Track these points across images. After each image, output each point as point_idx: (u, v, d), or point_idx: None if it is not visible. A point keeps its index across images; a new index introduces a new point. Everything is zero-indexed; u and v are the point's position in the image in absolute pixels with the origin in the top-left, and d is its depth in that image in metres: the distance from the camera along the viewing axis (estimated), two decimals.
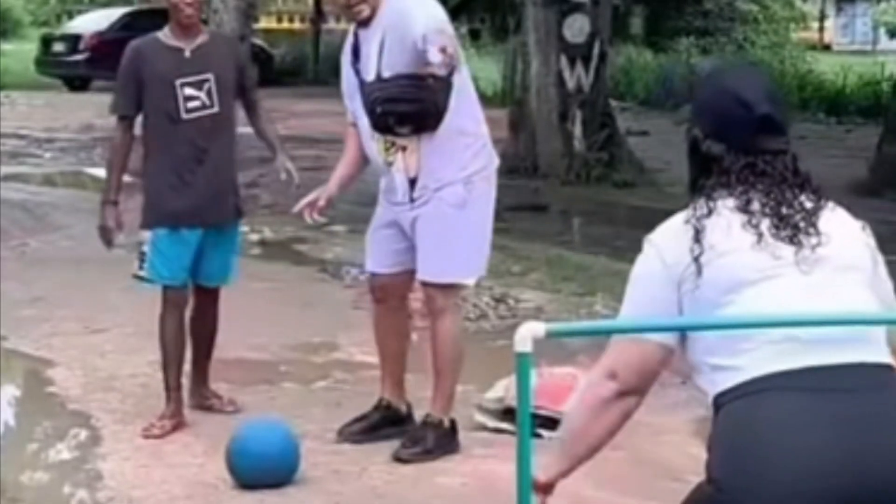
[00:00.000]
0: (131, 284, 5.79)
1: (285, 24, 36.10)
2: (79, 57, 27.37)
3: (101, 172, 14.95)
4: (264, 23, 32.29)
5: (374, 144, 5.32)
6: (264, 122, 5.94)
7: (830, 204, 2.69)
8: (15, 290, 8.06)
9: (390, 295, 5.47)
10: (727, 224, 2.60)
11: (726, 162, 2.66)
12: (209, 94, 5.56)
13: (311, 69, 30.72)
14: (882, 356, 2.57)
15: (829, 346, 2.49)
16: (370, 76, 5.21)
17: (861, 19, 47.12)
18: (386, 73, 5.15)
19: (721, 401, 2.53)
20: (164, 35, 5.63)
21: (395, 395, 5.51)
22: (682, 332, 2.64)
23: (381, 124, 5.22)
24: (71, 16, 36.99)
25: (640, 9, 33.04)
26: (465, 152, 5.23)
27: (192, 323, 5.77)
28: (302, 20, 35.02)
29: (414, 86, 5.11)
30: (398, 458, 5.21)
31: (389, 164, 5.30)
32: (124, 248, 5.95)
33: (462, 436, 5.46)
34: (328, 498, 4.85)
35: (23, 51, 32.14)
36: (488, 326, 7.37)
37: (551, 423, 5.40)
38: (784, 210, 2.61)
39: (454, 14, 29.06)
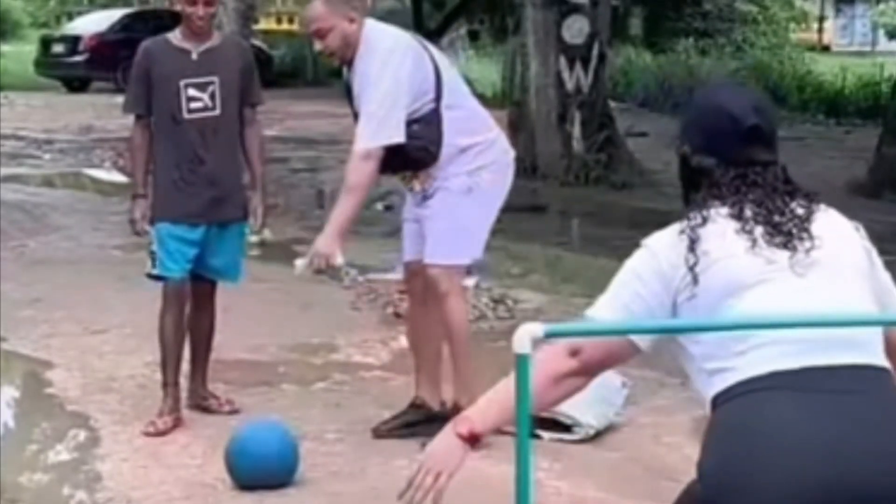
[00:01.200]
0: (138, 282, 5.79)
1: (285, 26, 36.09)
2: (78, 58, 27.38)
3: (100, 173, 15.06)
4: (264, 24, 32.30)
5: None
6: (255, 140, 5.87)
7: (822, 207, 2.70)
8: (14, 291, 8.06)
9: (421, 283, 5.49)
10: (722, 231, 2.62)
11: (717, 175, 2.69)
12: (212, 96, 5.64)
13: (311, 70, 30.71)
14: (877, 358, 2.57)
15: (824, 348, 2.50)
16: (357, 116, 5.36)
17: (860, 20, 47.13)
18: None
19: (716, 402, 2.54)
20: (175, 36, 5.73)
21: (430, 394, 5.55)
22: (668, 336, 2.65)
23: (387, 171, 5.36)
24: (70, 17, 37.03)
25: (640, 10, 33.07)
26: (469, 155, 5.33)
27: (189, 321, 5.80)
28: (311, 22, 35.03)
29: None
30: (376, 432, 5.32)
31: (410, 190, 5.46)
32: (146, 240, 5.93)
33: None
34: (327, 498, 4.85)
35: (22, 52, 32.15)
36: (487, 327, 7.36)
37: (549, 424, 5.42)
38: (776, 218, 2.63)
39: (453, 15, 29.11)
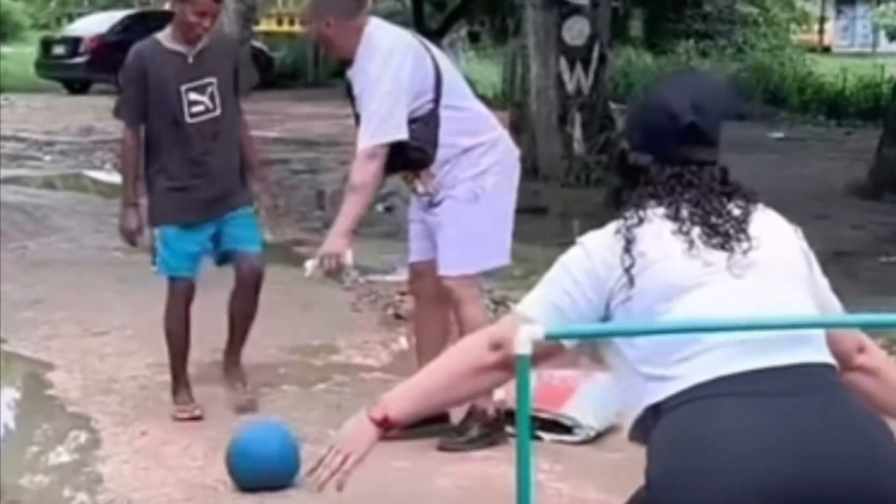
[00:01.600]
0: (139, 284, 5.80)
1: (285, 27, 36.04)
2: (79, 60, 27.36)
3: (100, 175, 15.06)
4: (264, 25, 32.29)
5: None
6: (245, 134, 5.99)
7: (760, 208, 2.66)
8: (14, 292, 8.06)
9: (427, 284, 5.53)
10: (658, 231, 2.58)
11: (652, 173, 2.66)
12: (212, 97, 5.68)
13: (311, 72, 30.72)
14: (822, 356, 2.55)
15: (767, 349, 2.47)
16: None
17: (861, 21, 47.13)
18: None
19: (658, 409, 2.50)
20: (165, 38, 5.70)
21: None
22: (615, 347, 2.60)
23: (387, 171, 5.36)
24: (71, 19, 37.02)
25: (640, 11, 33.03)
26: (472, 157, 5.32)
27: (232, 306, 5.89)
28: (302, 23, 35.03)
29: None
30: (443, 448, 5.27)
31: (413, 190, 5.46)
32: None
33: None
34: (328, 500, 4.83)
35: (23, 54, 32.15)
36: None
37: (550, 425, 5.42)
38: (713, 219, 2.59)
39: (454, 17, 29.10)
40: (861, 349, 2.77)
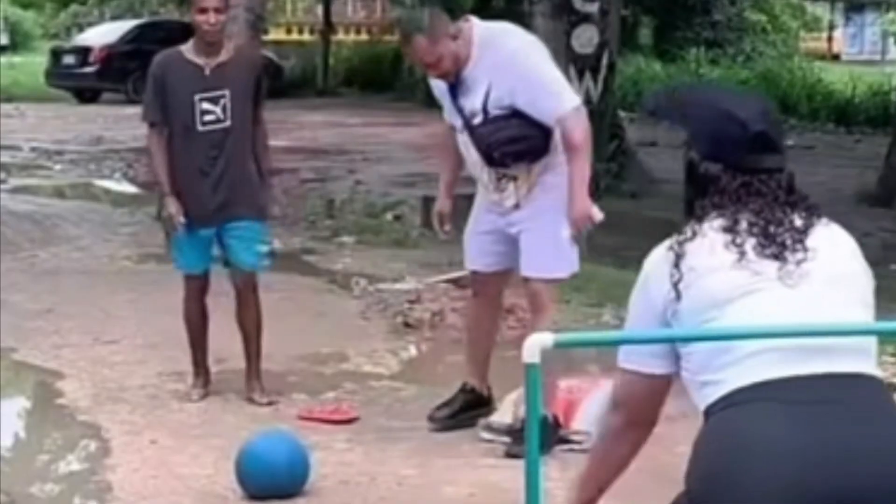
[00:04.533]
0: (149, 293, 5.82)
1: (294, 36, 36.09)
2: (88, 69, 27.40)
3: (110, 184, 15.09)
4: (273, 34, 32.29)
5: (485, 175, 5.47)
6: (260, 140, 6.18)
7: (824, 220, 2.67)
8: (24, 301, 8.07)
9: (488, 289, 5.73)
10: (710, 245, 2.60)
11: (723, 181, 2.67)
12: (224, 109, 5.93)
13: (321, 81, 30.75)
14: (868, 367, 2.55)
15: (812, 357, 2.48)
16: (477, 119, 5.36)
17: (870, 29, 47.05)
18: (494, 112, 5.32)
19: (707, 414, 2.54)
20: (188, 49, 6.00)
21: (479, 380, 5.75)
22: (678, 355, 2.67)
23: (498, 163, 5.38)
24: (81, 28, 37.04)
25: (649, 19, 33.04)
26: (561, 163, 5.35)
27: (237, 317, 6.16)
28: (311, 32, 35.03)
29: (526, 123, 5.29)
30: (511, 455, 5.22)
31: (501, 191, 5.45)
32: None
33: (469, 446, 5.46)
34: None
35: (33, 63, 32.21)
36: (497, 337, 7.35)
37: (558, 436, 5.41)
38: (772, 229, 2.61)
39: None
40: None
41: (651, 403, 2.74)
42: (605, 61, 14.59)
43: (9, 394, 6.57)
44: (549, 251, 5.36)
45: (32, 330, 7.38)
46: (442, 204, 5.80)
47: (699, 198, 2.71)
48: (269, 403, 6.03)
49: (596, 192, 5.56)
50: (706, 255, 2.59)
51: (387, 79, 30.08)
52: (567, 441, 5.41)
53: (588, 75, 14.51)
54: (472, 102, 5.35)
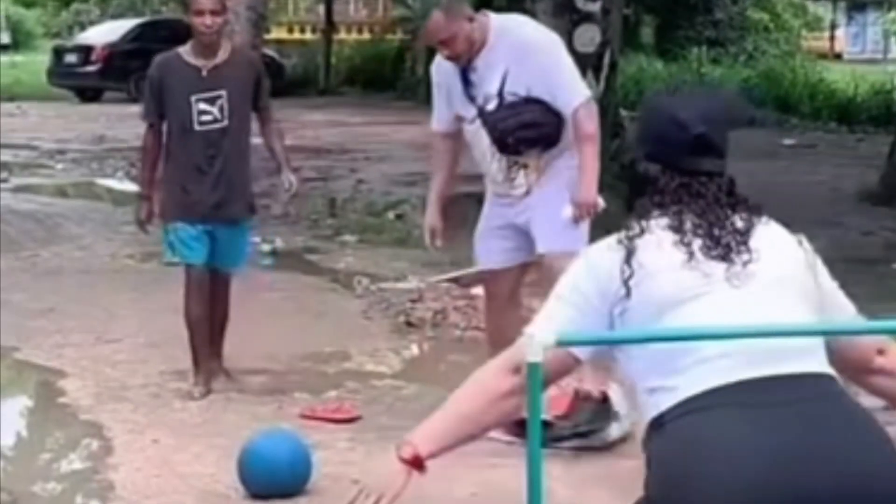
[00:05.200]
0: (151, 291, 5.84)
1: (296, 35, 36.12)
2: (90, 68, 27.43)
3: (112, 183, 15.09)
4: (275, 33, 32.31)
5: (494, 164, 5.49)
6: (274, 136, 6.35)
7: (764, 220, 2.66)
8: (26, 300, 8.08)
9: (502, 287, 5.72)
10: (658, 242, 2.59)
11: (661, 182, 2.67)
12: (221, 109, 6.05)
13: (322, 80, 30.75)
14: (820, 366, 2.55)
15: (763, 360, 2.48)
16: (491, 105, 5.38)
17: (872, 28, 47.03)
18: (510, 98, 5.35)
19: (659, 422, 2.51)
20: (186, 51, 6.13)
21: None
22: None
23: (511, 150, 5.40)
24: (83, 27, 37.06)
25: (651, 18, 33.04)
26: (570, 150, 5.41)
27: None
28: (313, 31, 35.06)
29: (542, 109, 5.33)
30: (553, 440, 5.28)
31: (511, 180, 5.48)
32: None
33: (472, 445, 5.43)
34: None
35: (35, 62, 32.23)
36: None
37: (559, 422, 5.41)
38: (716, 231, 2.60)
39: None
40: (881, 351, 2.77)
41: (551, 375, 2.59)
42: (607, 60, 14.58)
43: (11, 393, 6.58)
44: (559, 226, 5.38)
45: (34, 329, 7.39)
46: (433, 218, 5.77)
47: (637, 197, 2.71)
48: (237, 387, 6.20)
49: (599, 190, 5.56)
50: (655, 253, 2.58)
51: (389, 78, 30.09)
52: (570, 437, 5.40)
53: (590, 74, 14.48)
54: (487, 88, 5.37)
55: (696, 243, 2.58)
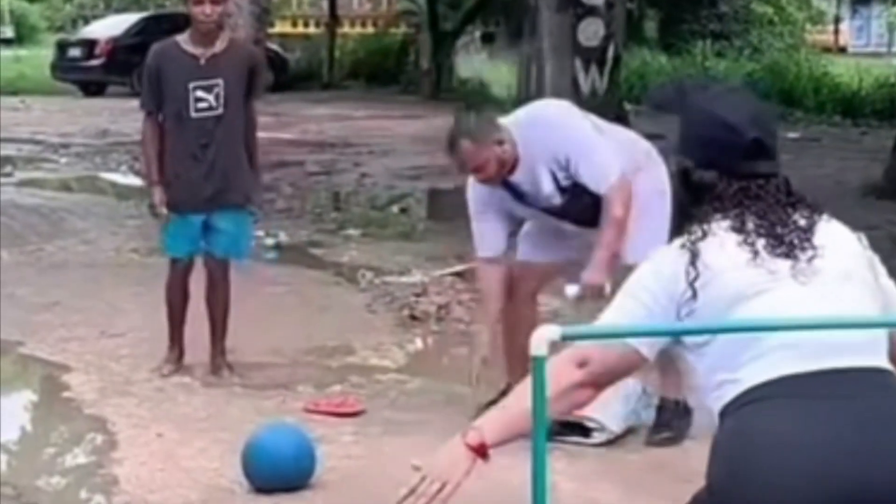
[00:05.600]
0: (155, 286, 5.93)
1: (300, 29, 36.07)
2: (94, 62, 27.40)
3: (116, 177, 15.10)
4: (279, 27, 32.29)
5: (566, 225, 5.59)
6: (250, 133, 6.38)
7: (825, 217, 2.68)
8: (31, 295, 8.08)
9: (529, 283, 5.70)
10: (721, 243, 2.60)
11: (719, 188, 2.67)
12: (217, 97, 6.12)
13: (326, 74, 30.74)
14: (882, 361, 2.57)
15: (826, 352, 2.49)
16: (557, 200, 5.43)
17: (876, 21, 46.98)
18: (565, 184, 5.39)
19: (722, 413, 2.54)
20: (184, 40, 6.18)
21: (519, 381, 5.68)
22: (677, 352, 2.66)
23: (594, 224, 5.43)
24: (86, 21, 37.03)
25: (655, 12, 32.99)
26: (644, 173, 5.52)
27: (206, 300, 6.38)
28: (317, 25, 35.02)
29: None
30: (654, 443, 5.40)
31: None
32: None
33: None
34: (344, 501, 4.85)
35: (39, 56, 32.20)
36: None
37: (569, 427, 5.40)
38: (778, 229, 2.62)
39: (469, 17, 29.07)
40: None
41: (615, 372, 2.69)
42: (610, 54, 14.57)
43: (15, 387, 6.59)
44: (646, 235, 5.26)
45: (39, 323, 7.39)
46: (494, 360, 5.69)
47: (695, 205, 2.70)
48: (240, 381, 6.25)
49: None
50: (720, 254, 2.59)
51: (392, 72, 30.08)
52: (575, 426, 5.38)
53: (594, 68, 14.49)
54: (543, 190, 5.39)
55: (760, 242, 2.60)
